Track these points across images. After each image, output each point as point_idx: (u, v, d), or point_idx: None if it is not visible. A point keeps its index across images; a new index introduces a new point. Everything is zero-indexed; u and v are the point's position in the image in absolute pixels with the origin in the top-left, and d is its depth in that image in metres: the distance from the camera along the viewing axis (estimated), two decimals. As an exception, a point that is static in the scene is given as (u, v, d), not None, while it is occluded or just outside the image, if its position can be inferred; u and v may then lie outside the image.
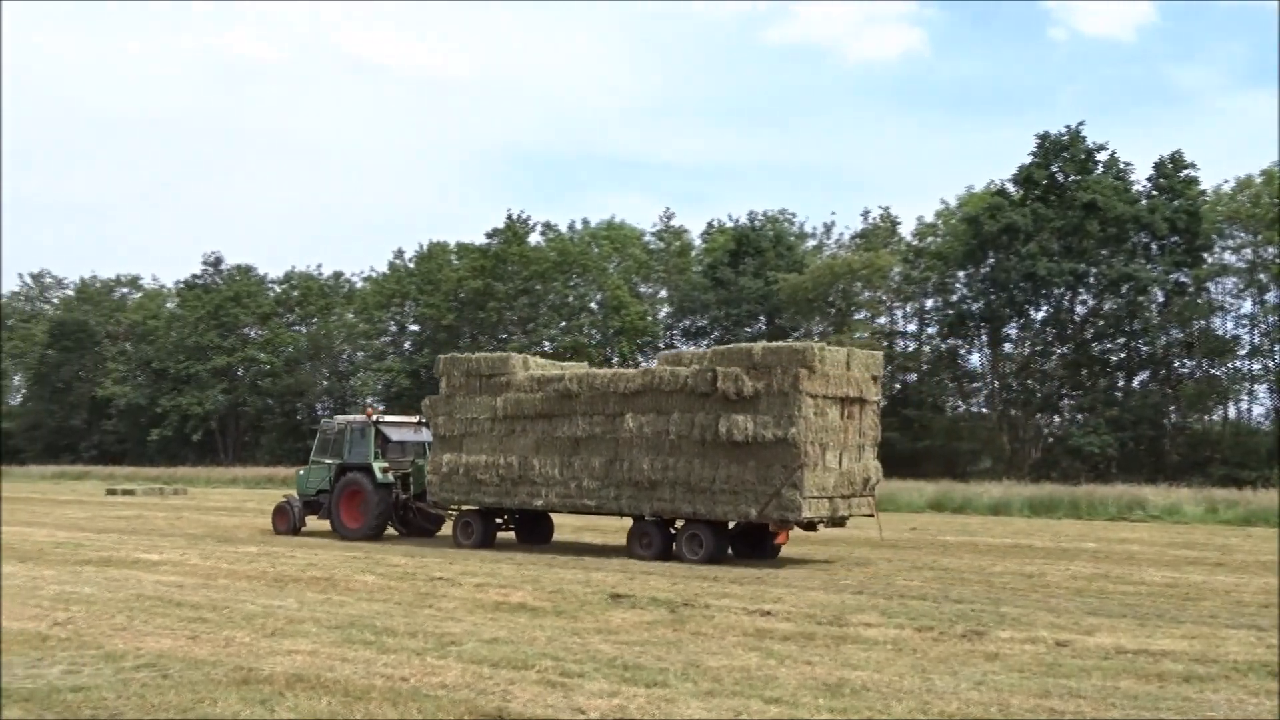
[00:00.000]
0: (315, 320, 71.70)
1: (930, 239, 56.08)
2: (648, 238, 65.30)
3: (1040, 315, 50.47)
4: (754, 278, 55.66)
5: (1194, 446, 47.59)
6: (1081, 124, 49.17)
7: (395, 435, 23.89)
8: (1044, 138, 49.72)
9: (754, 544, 19.20)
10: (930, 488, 36.16)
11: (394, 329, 69.53)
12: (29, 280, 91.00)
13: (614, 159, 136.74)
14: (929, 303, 55.89)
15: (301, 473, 24.91)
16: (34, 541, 21.24)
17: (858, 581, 15.81)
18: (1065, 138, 49.36)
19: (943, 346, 53.71)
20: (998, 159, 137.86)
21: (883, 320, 57.50)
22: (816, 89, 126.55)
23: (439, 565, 17.12)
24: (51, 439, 73.52)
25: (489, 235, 63.16)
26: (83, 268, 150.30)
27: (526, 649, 10.21)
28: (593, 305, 61.41)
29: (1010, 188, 50.66)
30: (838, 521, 19.05)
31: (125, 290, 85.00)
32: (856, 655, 10.19)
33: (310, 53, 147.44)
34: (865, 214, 60.51)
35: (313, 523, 24.13)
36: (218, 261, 74.69)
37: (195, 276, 74.68)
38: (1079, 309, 50.02)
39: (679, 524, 19.08)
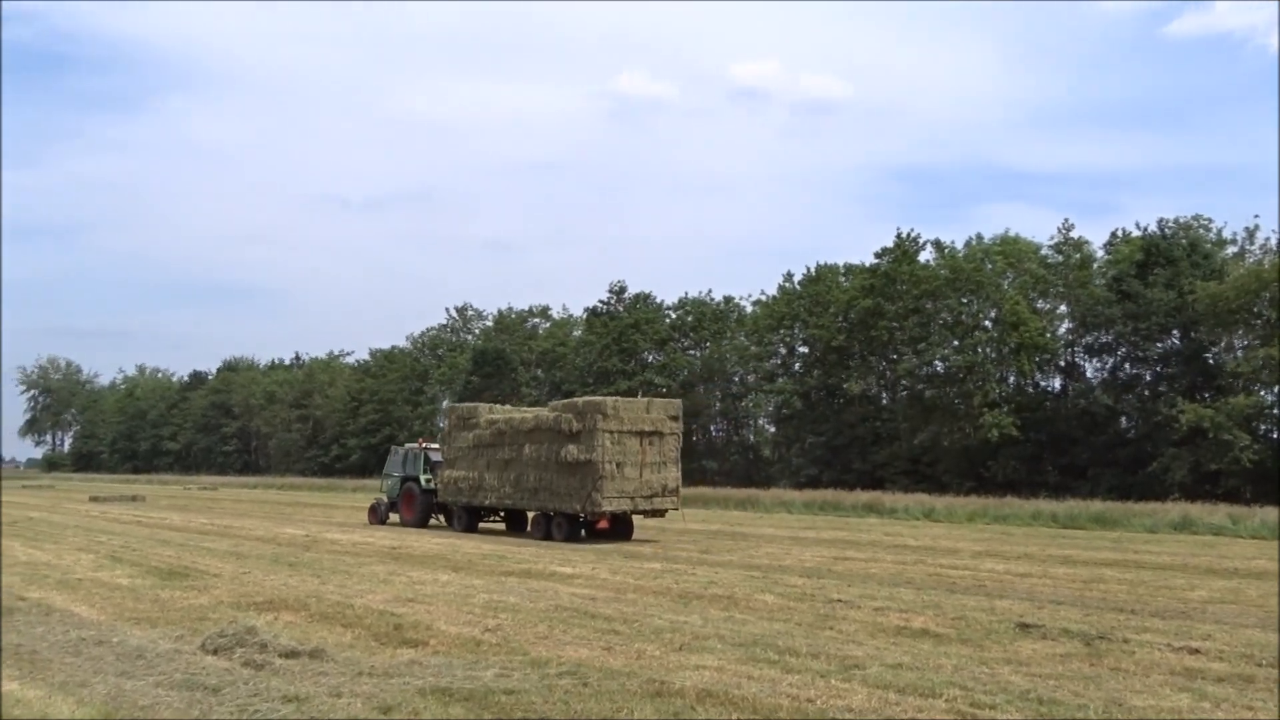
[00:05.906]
0: (708, 344, 73.80)
1: (1378, 238, 49.80)
2: (1045, 251, 62.23)
3: None
4: (1165, 289, 51.78)
5: None
6: None
7: (436, 457, 33.54)
8: None
9: (609, 528, 27.20)
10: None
11: (784, 351, 70.32)
12: (454, 314, 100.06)
13: (1006, 171, 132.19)
14: (1378, 310, 49.76)
15: (389, 483, 35.14)
16: (464, 553, 23.25)
17: (1301, 621, 14.26)
18: None
19: (1397, 359, 47.54)
20: None
21: (1320, 331, 51.73)
22: (1231, 83, 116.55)
23: (837, 588, 17.09)
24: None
25: (878, 255, 62.62)
26: (500, 300, 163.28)
27: (932, 676, 9.97)
28: (987, 323, 59.32)
29: None
30: (653, 513, 27.80)
31: (536, 320, 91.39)
32: (1306, 703, 9.20)
33: (696, 86, 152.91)
34: (1296, 214, 54.77)
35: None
36: (621, 290, 78.69)
37: (601, 303, 79.03)
38: None
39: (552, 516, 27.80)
